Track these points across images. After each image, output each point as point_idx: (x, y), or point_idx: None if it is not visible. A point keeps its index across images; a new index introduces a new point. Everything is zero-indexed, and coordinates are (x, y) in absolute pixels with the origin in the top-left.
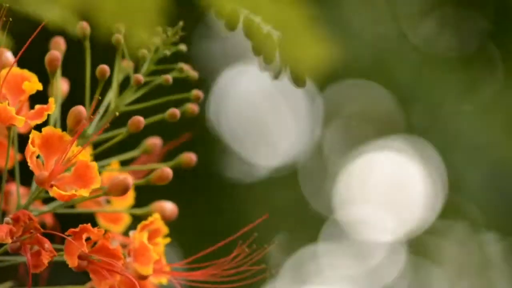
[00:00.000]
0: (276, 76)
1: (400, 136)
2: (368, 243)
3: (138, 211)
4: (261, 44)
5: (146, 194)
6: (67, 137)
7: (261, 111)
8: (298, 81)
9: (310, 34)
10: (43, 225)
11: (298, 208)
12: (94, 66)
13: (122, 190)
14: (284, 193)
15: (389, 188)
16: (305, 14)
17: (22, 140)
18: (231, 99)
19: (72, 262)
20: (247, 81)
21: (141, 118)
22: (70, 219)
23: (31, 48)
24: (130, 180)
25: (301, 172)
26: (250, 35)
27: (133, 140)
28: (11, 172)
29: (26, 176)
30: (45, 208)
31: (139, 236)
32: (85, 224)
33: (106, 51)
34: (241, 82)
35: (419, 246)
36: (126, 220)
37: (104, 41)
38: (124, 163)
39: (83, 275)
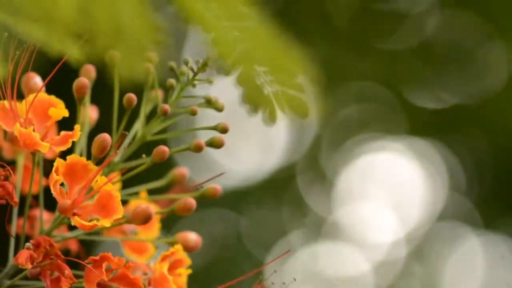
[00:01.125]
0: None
1: (400, 136)
2: (368, 244)
3: (162, 240)
4: (252, 95)
5: None
6: (91, 166)
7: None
8: (272, 122)
9: (300, 85)
10: (67, 251)
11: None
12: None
13: (144, 219)
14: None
15: (389, 188)
16: (297, 57)
17: (49, 165)
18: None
19: None
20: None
21: (165, 148)
22: (96, 247)
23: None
24: (152, 209)
25: (300, 173)
26: (243, 84)
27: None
28: (36, 197)
29: (52, 201)
30: (69, 234)
31: (159, 267)
32: (105, 253)
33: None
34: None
35: (419, 246)
36: (151, 251)
37: (99, 62)
38: (151, 192)
39: None
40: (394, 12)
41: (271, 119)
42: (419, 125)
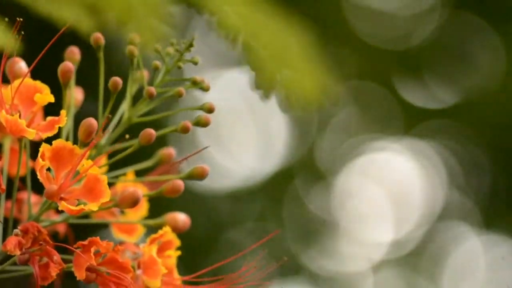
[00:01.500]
0: (266, 99)
1: (400, 137)
2: (367, 243)
3: (151, 222)
4: (263, 80)
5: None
6: (77, 150)
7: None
8: (287, 108)
9: (307, 67)
10: (56, 234)
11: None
12: (108, 73)
13: (132, 202)
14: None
15: (388, 189)
16: (305, 43)
17: (36, 147)
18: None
19: (80, 275)
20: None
21: (152, 131)
22: (85, 228)
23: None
24: (140, 192)
25: (299, 173)
26: (255, 69)
27: (148, 149)
28: (23, 179)
29: (39, 183)
30: (58, 218)
31: (148, 249)
32: (94, 237)
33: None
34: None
35: (418, 246)
36: (140, 230)
37: (110, 38)
38: (139, 173)
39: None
40: (394, 12)
41: (286, 104)
42: (418, 125)
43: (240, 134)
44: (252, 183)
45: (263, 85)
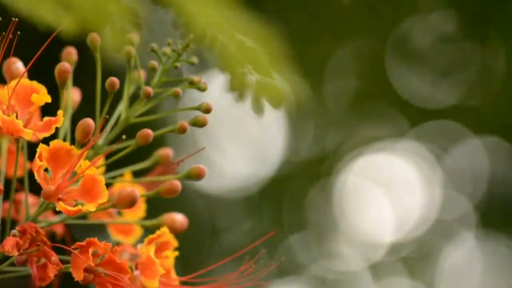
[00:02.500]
0: (240, 101)
1: (399, 137)
2: (368, 243)
3: (148, 223)
4: (236, 81)
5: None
6: (75, 150)
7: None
8: (258, 111)
9: (276, 69)
10: (53, 235)
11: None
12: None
13: (129, 202)
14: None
15: (388, 189)
16: (276, 53)
17: (34, 147)
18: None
19: (78, 276)
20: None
21: (149, 131)
22: (83, 229)
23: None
24: (137, 192)
25: (299, 174)
26: (227, 71)
27: (146, 150)
28: (21, 180)
29: (37, 184)
30: (56, 218)
31: (146, 250)
32: (91, 238)
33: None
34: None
35: (418, 246)
36: (138, 231)
37: (73, 36)
38: (136, 174)
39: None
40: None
41: (257, 108)
42: (417, 126)
43: (240, 134)
44: (251, 184)
45: (236, 87)
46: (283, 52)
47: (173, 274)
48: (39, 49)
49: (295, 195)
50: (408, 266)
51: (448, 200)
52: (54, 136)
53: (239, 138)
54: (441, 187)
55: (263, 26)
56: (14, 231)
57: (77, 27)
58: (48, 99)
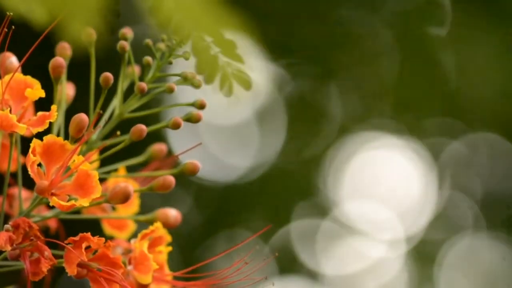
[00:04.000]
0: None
1: (399, 136)
2: (367, 241)
3: (142, 218)
4: (205, 64)
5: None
6: (69, 145)
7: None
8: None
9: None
10: (46, 230)
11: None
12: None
13: (123, 198)
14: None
15: (388, 188)
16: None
17: (27, 142)
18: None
19: (71, 270)
20: None
21: (143, 127)
22: (77, 223)
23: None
24: (131, 188)
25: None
26: (197, 54)
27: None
28: (14, 175)
29: (30, 179)
30: (49, 213)
31: (139, 245)
32: (85, 233)
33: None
34: None
35: (419, 245)
36: (131, 227)
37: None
38: (130, 169)
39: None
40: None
41: (226, 90)
42: (418, 125)
43: (239, 128)
44: (249, 179)
45: (205, 70)
46: (254, 36)
47: (167, 269)
48: (32, 44)
49: (291, 191)
50: (407, 264)
51: (448, 198)
52: (48, 131)
53: (238, 131)
54: (441, 185)
55: (234, 13)
56: (7, 226)
57: (48, 16)
58: (42, 94)
